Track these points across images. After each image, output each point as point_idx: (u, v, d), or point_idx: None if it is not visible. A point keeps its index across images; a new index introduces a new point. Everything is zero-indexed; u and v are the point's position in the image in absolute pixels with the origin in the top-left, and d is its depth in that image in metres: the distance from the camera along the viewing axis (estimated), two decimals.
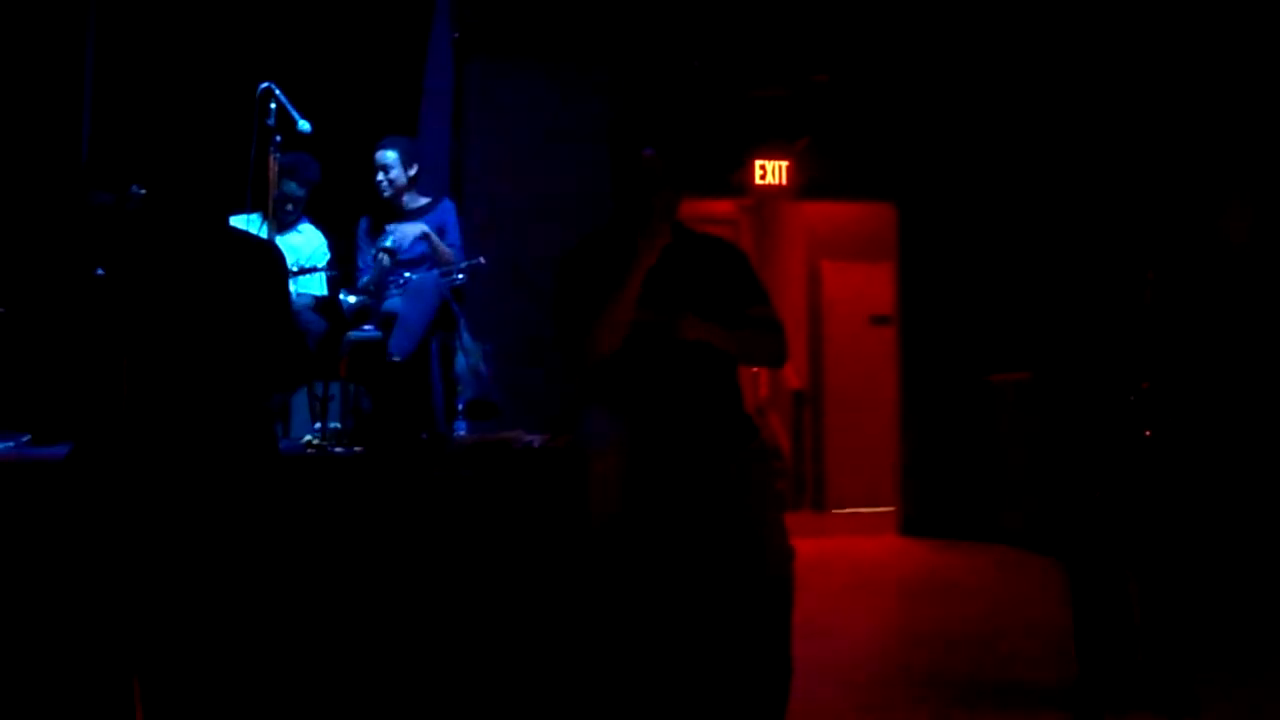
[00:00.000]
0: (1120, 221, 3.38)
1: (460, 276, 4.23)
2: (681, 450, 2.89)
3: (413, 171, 4.39)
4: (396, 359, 3.95)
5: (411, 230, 4.25)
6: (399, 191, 4.36)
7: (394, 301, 4.17)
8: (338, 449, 3.79)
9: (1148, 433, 3.12)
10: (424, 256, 4.25)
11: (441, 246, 4.24)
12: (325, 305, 4.49)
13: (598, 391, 2.98)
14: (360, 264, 4.44)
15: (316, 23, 3.97)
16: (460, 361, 4.40)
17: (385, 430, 3.86)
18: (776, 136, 7.58)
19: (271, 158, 4.05)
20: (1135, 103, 6.04)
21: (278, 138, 4.03)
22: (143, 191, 3.71)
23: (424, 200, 4.45)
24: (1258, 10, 5.60)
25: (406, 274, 4.21)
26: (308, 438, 3.98)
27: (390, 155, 4.34)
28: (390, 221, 4.33)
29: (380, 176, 4.34)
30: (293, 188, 4.51)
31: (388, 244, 4.20)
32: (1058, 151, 6.73)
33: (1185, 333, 3.20)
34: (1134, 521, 3.15)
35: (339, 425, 4.06)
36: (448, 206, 4.46)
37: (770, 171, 7.61)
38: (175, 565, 2.60)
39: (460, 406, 4.33)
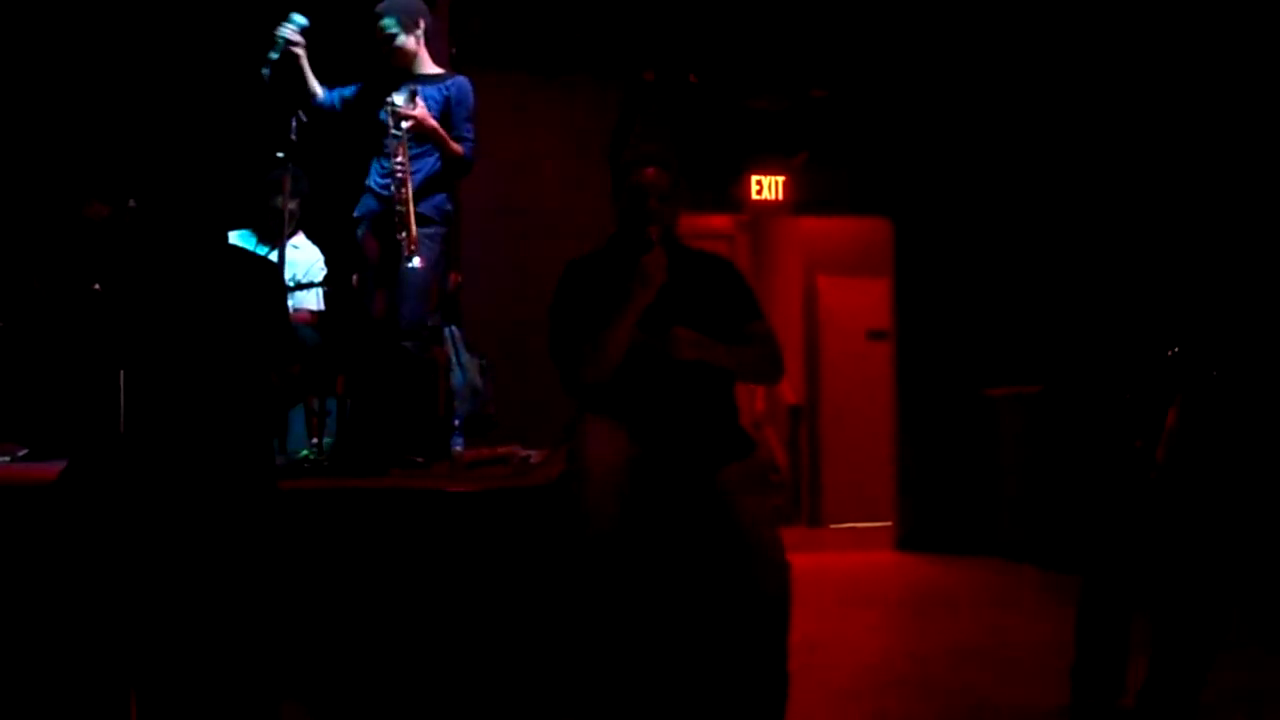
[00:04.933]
0: (1119, 233, 3.36)
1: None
2: (678, 465, 2.89)
3: (419, 32, 4.01)
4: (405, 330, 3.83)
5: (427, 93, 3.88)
6: (408, 58, 3.99)
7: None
8: (334, 464, 3.79)
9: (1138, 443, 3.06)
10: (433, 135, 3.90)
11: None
12: (321, 320, 4.49)
13: (595, 407, 2.98)
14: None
15: (311, 35, 3.96)
16: (457, 375, 4.39)
17: (381, 446, 3.84)
18: (773, 151, 7.60)
19: (285, 177, 3.99)
20: (1130, 114, 6.05)
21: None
22: (139, 206, 3.71)
23: (438, 70, 4.05)
24: (1257, 24, 5.62)
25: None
26: (304, 452, 3.98)
27: (388, 22, 3.96)
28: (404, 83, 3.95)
29: (385, 49, 3.99)
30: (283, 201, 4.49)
31: (398, 100, 3.82)
32: (1053, 166, 6.75)
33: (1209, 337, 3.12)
34: (1150, 543, 3.09)
35: (335, 440, 4.06)
36: (465, 85, 4.03)
37: (767, 186, 7.62)
38: (171, 581, 2.60)
39: (456, 421, 4.32)
